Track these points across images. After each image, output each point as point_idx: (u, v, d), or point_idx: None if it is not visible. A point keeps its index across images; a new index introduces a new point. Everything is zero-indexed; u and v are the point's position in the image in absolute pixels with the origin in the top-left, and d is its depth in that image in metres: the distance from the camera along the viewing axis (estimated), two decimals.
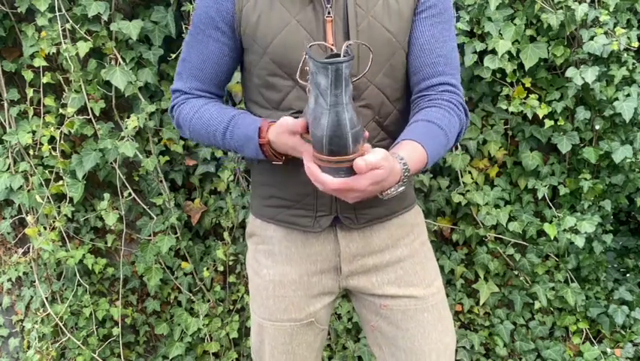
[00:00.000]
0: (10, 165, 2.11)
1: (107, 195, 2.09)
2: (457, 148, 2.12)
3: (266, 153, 1.08)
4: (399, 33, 1.11)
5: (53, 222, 2.10)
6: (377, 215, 1.19)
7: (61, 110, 2.02)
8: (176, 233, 2.17)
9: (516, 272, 2.21)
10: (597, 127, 2.03)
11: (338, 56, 0.88)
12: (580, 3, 1.88)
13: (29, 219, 2.11)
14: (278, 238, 1.22)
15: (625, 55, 1.91)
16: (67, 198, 2.07)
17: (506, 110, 2.03)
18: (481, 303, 2.21)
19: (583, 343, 2.22)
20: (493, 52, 1.95)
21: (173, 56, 2.00)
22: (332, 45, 1.02)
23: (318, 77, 0.85)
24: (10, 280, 2.27)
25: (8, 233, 2.25)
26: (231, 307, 2.28)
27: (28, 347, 2.26)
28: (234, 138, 1.11)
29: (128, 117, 2.04)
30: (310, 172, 0.93)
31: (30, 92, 2.05)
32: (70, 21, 1.94)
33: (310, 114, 0.91)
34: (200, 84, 1.18)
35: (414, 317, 1.21)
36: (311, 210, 1.17)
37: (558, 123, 2.01)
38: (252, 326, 1.30)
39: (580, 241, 2.02)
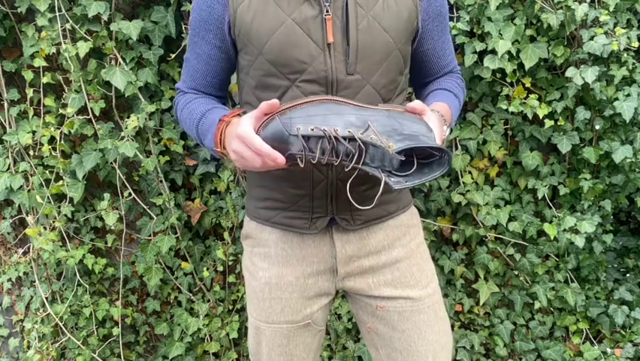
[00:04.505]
0: (10, 165, 2.11)
1: (107, 195, 2.09)
2: (457, 148, 2.12)
3: (216, 135, 1.06)
4: (396, 34, 1.11)
5: (53, 222, 2.10)
6: (373, 216, 1.19)
7: (61, 110, 2.02)
8: (176, 233, 2.18)
9: (516, 272, 2.21)
10: (597, 127, 2.02)
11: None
12: (580, 3, 1.88)
13: (29, 219, 2.11)
14: (274, 240, 1.21)
15: (625, 55, 1.91)
16: (68, 198, 2.08)
17: (506, 110, 2.03)
18: (481, 303, 2.21)
19: (583, 343, 2.22)
20: (493, 52, 1.95)
21: (173, 56, 2.00)
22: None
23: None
24: (10, 280, 2.28)
25: (8, 233, 2.25)
26: (231, 307, 2.28)
27: (28, 347, 2.26)
28: (204, 125, 1.11)
29: (128, 117, 2.04)
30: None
31: (30, 92, 2.05)
32: (70, 21, 1.94)
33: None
34: (197, 85, 1.21)
35: (410, 318, 1.21)
36: (307, 212, 1.16)
37: (558, 123, 2.01)
38: (249, 329, 1.30)
39: (580, 241, 2.02)
